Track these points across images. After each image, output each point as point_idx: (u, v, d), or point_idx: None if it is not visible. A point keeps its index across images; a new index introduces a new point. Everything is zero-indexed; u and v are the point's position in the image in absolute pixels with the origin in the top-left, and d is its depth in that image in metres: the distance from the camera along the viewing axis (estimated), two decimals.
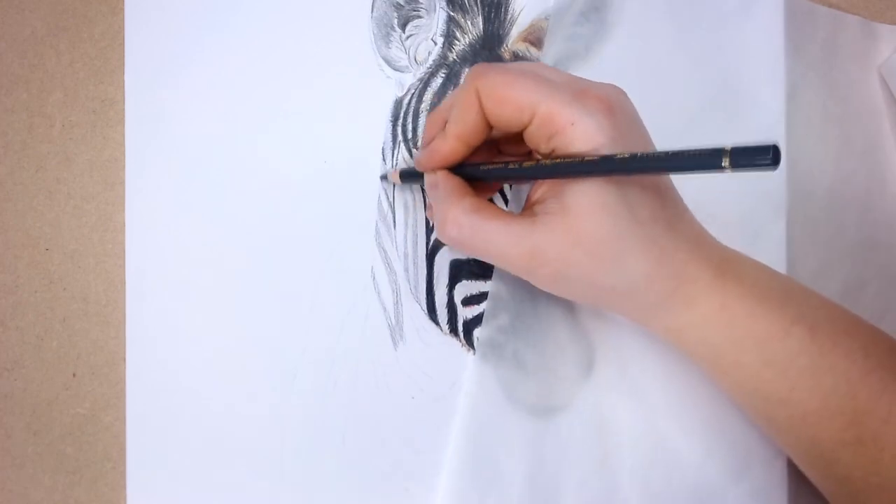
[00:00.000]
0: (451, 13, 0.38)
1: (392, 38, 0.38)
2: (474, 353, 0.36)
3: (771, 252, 0.38)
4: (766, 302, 0.30)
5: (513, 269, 0.30)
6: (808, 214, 0.40)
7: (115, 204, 0.36)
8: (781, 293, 0.30)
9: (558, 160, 0.28)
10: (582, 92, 0.28)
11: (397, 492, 0.35)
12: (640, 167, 0.26)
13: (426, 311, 0.37)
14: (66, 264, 0.36)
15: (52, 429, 0.35)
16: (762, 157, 0.22)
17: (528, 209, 0.31)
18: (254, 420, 0.35)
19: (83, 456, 0.35)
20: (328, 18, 0.38)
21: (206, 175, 0.37)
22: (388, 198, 0.37)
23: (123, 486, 0.34)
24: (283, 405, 0.35)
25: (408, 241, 0.37)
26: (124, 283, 0.36)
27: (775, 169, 0.22)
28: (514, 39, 0.39)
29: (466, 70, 0.38)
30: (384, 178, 0.37)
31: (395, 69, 0.38)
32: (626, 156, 0.26)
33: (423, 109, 0.38)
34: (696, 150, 0.24)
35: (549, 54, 0.39)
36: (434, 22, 0.38)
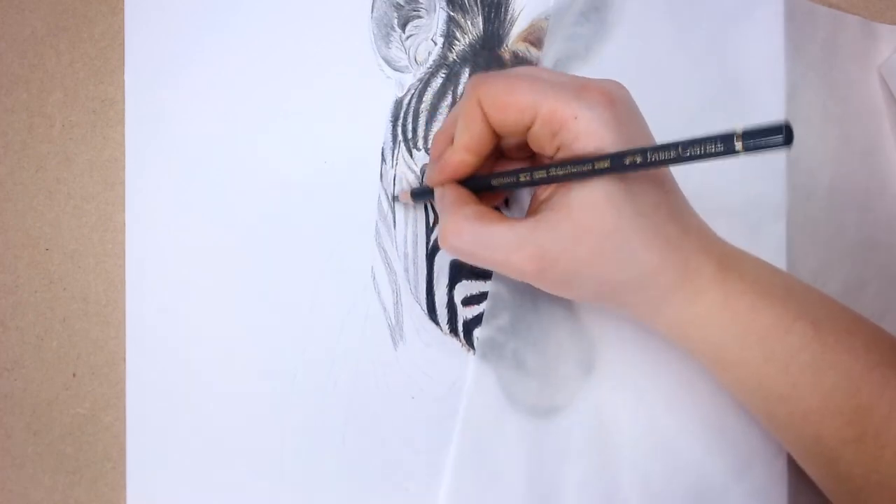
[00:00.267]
0: (451, 13, 0.38)
1: (392, 39, 0.38)
2: (474, 353, 0.36)
3: (771, 252, 0.38)
4: (768, 298, 0.30)
5: (517, 273, 0.30)
6: (808, 214, 0.40)
7: (115, 204, 0.36)
8: (783, 289, 0.30)
9: (569, 166, 0.28)
10: (582, 87, 0.29)
11: (397, 492, 0.35)
12: (652, 162, 0.26)
13: (426, 311, 0.37)
14: (66, 264, 0.36)
15: (52, 429, 0.35)
16: (774, 136, 0.22)
17: (531, 211, 0.31)
18: (254, 420, 0.35)
19: (83, 456, 0.35)
20: (328, 18, 0.38)
21: (206, 175, 0.37)
22: (388, 198, 0.37)
23: (123, 486, 0.34)
24: (283, 405, 0.35)
25: (408, 241, 0.37)
26: (124, 283, 0.36)
27: (789, 148, 0.22)
28: (514, 39, 0.39)
29: (467, 70, 0.38)
30: (395, 199, 0.37)
31: (395, 69, 0.38)
32: (637, 153, 0.26)
33: (423, 110, 0.38)
34: (707, 137, 0.24)
35: (549, 54, 0.39)
36: (434, 22, 0.38)
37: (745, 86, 0.40)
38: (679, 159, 0.25)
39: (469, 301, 0.37)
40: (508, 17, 0.39)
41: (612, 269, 0.29)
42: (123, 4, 0.37)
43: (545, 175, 0.29)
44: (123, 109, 0.37)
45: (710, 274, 0.29)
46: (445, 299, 0.37)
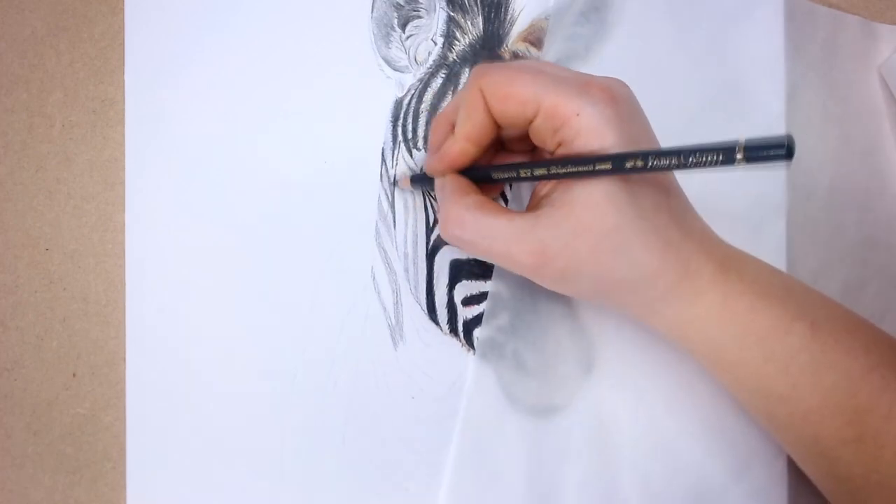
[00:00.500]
0: (451, 13, 0.38)
1: (392, 39, 0.38)
2: (474, 353, 0.36)
3: (771, 252, 0.38)
4: (767, 298, 0.30)
5: (517, 266, 0.30)
6: (808, 214, 0.40)
7: (115, 204, 0.36)
8: (782, 290, 0.30)
9: (570, 164, 0.28)
10: (585, 83, 0.29)
11: (397, 492, 0.35)
12: (653, 167, 0.26)
13: (426, 311, 0.37)
14: (66, 264, 0.36)
15: (52, 429, 0.35)
16: (776, 150, 0.22)
17: (532, 206, 0.31)
18: (254, 420, 0.35)
19: (83, 456, 0.35)
20: (328, 18, 0.38)
21: (206, 175, 0.37)
22: (388, 198, 0.37)
23: (123, 486, 0.34)
24: (283, 405, 0.35)
25: (408, 241, 0.37)
26: (124, 283, 0.36)
27: (790, 162, 0.22)
28: (514, 39, 0.39)
29: (467, 70, 0.38)
30: (395, 183, 0.37)
31: (396, 69, 0.38)
32: (639, 157, 0.26)
33: (424, 110, 0.38)
34: (708, 146, 0.24)
35: (549, 54, 0.39)
36: (434, 22, 0.38)
37: (745, 86, 0.40)
38: (679, 166, 0.25)
39: (469, 301, 0.37)
40: (508, 17, 0.39)
41: (611, 267, 0.29)
42: (123, 4, 0.37)
43: (546, 172, 0.29)
44: (123, 109, 0.37)
45: (710, 275, 0.29)
46: (445, 299, 0.37)
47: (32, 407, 0.35)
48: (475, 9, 0.39)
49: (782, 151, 0.22)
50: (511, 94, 0.29)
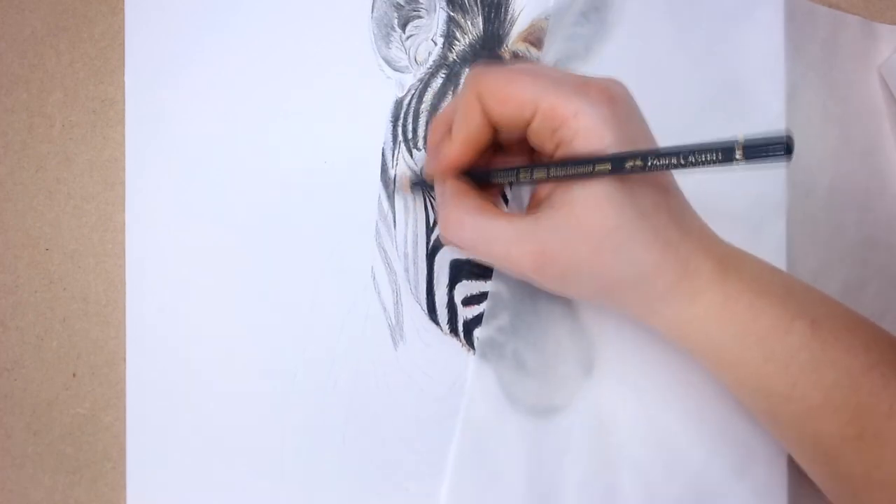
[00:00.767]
0: (451, 13, 0.38)
1: (392, 39, 0.38)
2: (474, 353, 0.36)
3: (771, 251, 0.38)
4: (767, 297, 0.30)
5: (517, 269, 0.30)
6: (808, 214, 0.40)
7: (115, 204, 0.36)
8: (782, 288, 0.30)
9: (569, 166, 0.28)
10: (583, 84, 0.29)
11: (397, 492, 0.35)
12: (652, 166, 0.26)
13: (426, 311, 0.37)
14: (66, 264, 0.36)
15: (52, 429, 0.35)
16: (776, 148, 0.22)
17: (532, 208, 0.31)
18: (254, 420, 0.35)
19: (83, 456, 0.35)
20: (328, 18, 0.38)
21: (206, 175, 0.37)
22: (388, 198, 0.37)
23: (123, 486, 0.34)
24: (283, 405, 0.35)
25: (408, 241, 0.37)
26: (124, 283, 0.36)
27: (789, 160, 0.22)
28: (514, 39, 0.39)
29: (467, 70, 0.38)
30: (394, 187, 0.37)
31: (396, 69, 0.38)
32: (638, 157, 0.26)
33: (424, 110, 0.38)
34: (707, 145, 0.24)
35: (549, 54, 0.39)
36: (434, 22, 0.39)
37: (745, 86, 0.40)
38: (678, 166, 0.25)
39: (469, 301, 0.37)
40: (508, 17, 0.39)
41: (612, 267, 0.29)
42: (123, 4, 0.37)
43: (545, 174, 0.29)
44: (123, 109, 0.37)
45: (709, 274, 0.29)
46: (445, 299, 0.37)
47: (32, 407, 0.35)
48: (475, 9, 0.39)
49: (781, 149, 0.22)
50: (508, 95, 0.29)
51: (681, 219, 0.30)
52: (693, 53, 0.40)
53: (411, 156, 0.38)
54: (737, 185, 0.39)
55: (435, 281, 0.37)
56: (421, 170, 0.37)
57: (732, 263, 0.30)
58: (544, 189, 0.30)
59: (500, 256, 0.30)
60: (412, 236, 0.37)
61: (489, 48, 0.39)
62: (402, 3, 0.39)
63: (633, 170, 0.26)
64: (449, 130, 0.31)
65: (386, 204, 0.37)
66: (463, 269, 0.37)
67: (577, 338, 0.37)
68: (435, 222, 0.37)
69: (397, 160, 0.38)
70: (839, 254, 0.40)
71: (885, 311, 0.40)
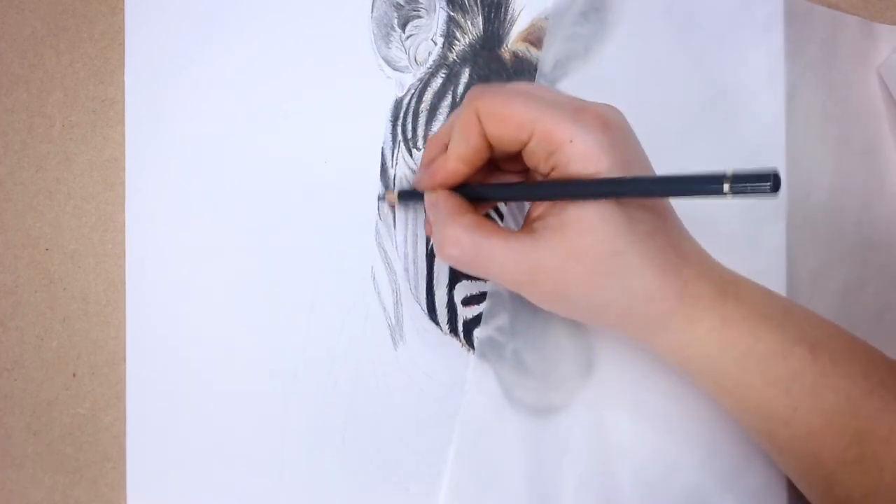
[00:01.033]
0: (451, 13, 0.38)
1: (392, 38, 0.38)
2: (474, 353, 0.36)
3: (771, 252, 0.38)
4: (767, 321, 0.30)
5: (514, 286, 0.30)
6: (807, 214, 0.40)
7: (115, 204, 0.36)
8: (781, 313, 0.30)
9: (562, 182, 0.29)
10: (579, 110, 0.29)
11: (397, 492, 0.35)
12: (641, 191, 0.27)
13: (426, 311, 0.37)
14: (66, 264, 0.36)
15: (52, 429, 0.35)
16: (762, 183, 0.23)
17: (527, 226, 0.31)
18: (254, 419, 0.35)
19: (83, 456, 0.35)
20: (328, 18, 0.38)
21: (206, 175, 0.37)
22: None
23: (123, 486, 0.34)
24: (283, 405, 0.35)
25: (408, 241, 0.37)
26: (124, 283, 0.36)
27: (775, 196, 0.23)
28: (514, 39, 0.39)
29: (467, 70, 0.38)
30: (381, 198, 0.37)
31: (395, 69, 0.38)
32: (629, 179, 0.27)
33: (423, 110, 0.38)
34: (697, 176, 0.25)
35: (549, 54, 0.39)
36: (434, 22, 0.39)
37: (744, 86, 0.40)
38: (667, 193, 0.27)
39: (469, 301, 0.37)
40: (508, 16, 0.39)
41: (608, 291, 0.29)
42: (123, 4, 0.37)
43: (540, 194, 0.30)
44: (123, 109, 0.37)
45: (708, 299, 0.29)
46: (445, 299, 0.37)
47: (32, 407, 0.35)
48: (475, 9, 0.39)
49: (768, 185, 0.22)
50: (507, 116, 0.29)
51: (678, 244, 0.30)
52: (692, 53, 0.40)
53: (411, 155, 0.38)
54: None
55: (435, 281, 0.37)
56: (410, 184, 0.37)
57: (731, 288, 0.30)
58: (539, 208, 0.30)
59: (496, 275, 0.30)
60: (412, 236, 0.37)
61: (489, 48, 0.39)
62: (402, 2, 0.39)
63: (625, 194, 0.27)
64: (445, 148, 0.32)
65: (386, 204, 0.37)
66: None
67: (577, 338, 0.37)
68: None
69: (397, 160, 0.38)
70: (839, 254, 0.40)
71: (884, 312, 0.40)
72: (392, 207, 0.37)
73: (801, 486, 0.33)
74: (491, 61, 0.39)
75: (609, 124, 0.28)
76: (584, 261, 0.28)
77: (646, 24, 0.40)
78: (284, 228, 0.37)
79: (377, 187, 0.37)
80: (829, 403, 0.29)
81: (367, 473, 0.35)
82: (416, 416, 0.36)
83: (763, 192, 0.23)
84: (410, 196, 0.35)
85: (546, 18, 0.39)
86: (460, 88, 0.38)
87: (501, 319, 0.37)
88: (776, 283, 0.38)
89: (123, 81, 0.37)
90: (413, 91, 0.38)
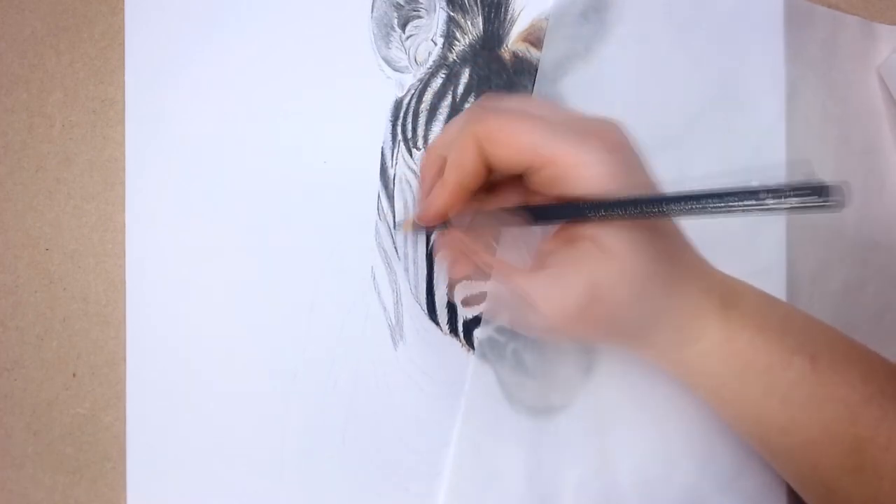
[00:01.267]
0: (451, 13, 0.38)
1: (392, 39, 0.38)
2: (474, 353, 0.36)
3: (771, 252, 0.38)
4: (766, 332, 0.30)
5: (565, 324, 0.29)
6: (807, 215, 0.40)
7: (115, 204, 0.36)
8: (782, 322, 0.31)
9: (580, 208, 0.28)
10: (584, 132, 0.28)
11: (397, 492, 0.35)
12: (666, 211, 0.25)
13: (426, 311, 0.37)
14: (66, 264, 0.36)
15: (52, 429, 0.35)
16: (823, 198, 0.21)
17: (538, 262, 0.30)
18: (254, 420, 0.35)
19: (83, 456, 0.35)
20: (328, 18, 0.38)
21: (206, 175, 0.37)
22: (388, 198, 0.37)
23: (123, 486, 0.34)
24: (283, 405, 0.35)
25: (408, 241, 0.37)
26: (124, 283, 0.36)
27: (840, 209, 0.21)
28: (514, 39, 0.39)
29: (467, 70, 0.38)
30: (396, 228, 0.37)
31: (395, 69, 0.38)
32: (654, 202, 0.25)
33: (423, 110, 0.38)
34: (734, 191, 0.23)
35: (549, 54, 0.39)
36: (434, 22, 0.39)
37: (744, 86, 0.40)
38: (698, 212, 0.24)
39: (469, 301, 0.37)
40: (508, 17, 0.39)
41: (639, 313, 0.29)
42: (123, 4, 0.37)
43: (553, 215, 0.30)
44: (123, 109, 0.37)
45: (711, 314, 0.30)
46: (445, 299, 0.37)
47: (32, 407, 0.35)
48: (475, 9, 0.39)
49: (828, 200, 0.21)
50: (508, 142, 0.28)
51: (682, 262, 0.30)
52: (693, 53, 0.40)
53: (411, 155, 0.38)
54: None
55: (435, 281, 0.37)
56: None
57: (732, 299, 0.30)
58: (547, 244, 0.30)
59: (544, 318, 0.29)
60: (412, 236, 0.37)
61: (489, 48, 0.39)
62: (402, 2, 0.39)
63: (649, 214, 0.26)
64: (441, 164, 0.31)
65: (386, 204, 0.37)
66: None
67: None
68: None
69: (397, 160, 0.38)
70: (839, 254, 0.40)
71: (884, 312, 0.40)
72: (392, 206, 0.37)
73: (801, 492, 0.33)
74: (491, 61, 0.39)
75: (615, 147, 0.28)
76: (633, 284, 0.28)
77: (646, 24, 0.40)
78: (284, 228, 0.37)
79: (377, 187, 0.37)
80: (828, 413, 0.29)
81: (367, 473, 0.35)
82: (416, 416, 0.36)
83: (825, 205, 0.21)
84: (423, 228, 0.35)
85: (546, 18, 0.39)
86: (460, 88, 0.38)
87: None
88: (776, 283, 0.38)
89: (123, 81, 0.37)
90: (413, 91, 0.38)
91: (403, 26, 0.38)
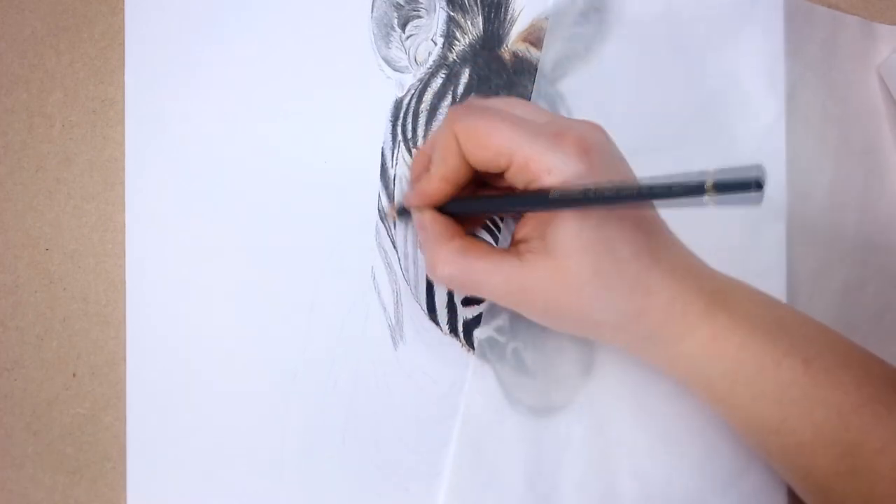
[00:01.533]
0: (451, 13, 0.38)
1: (392, 39, 0.38)
2: (474, 353, 0.36)
3: (771, 252, 0.38)
4: (757, 333, 0.30)
5: (507, 305, 0.31)
6: (807, 214, 0.40)
7: (115, 204, 0.36)
8: (774, 324, 0.30)
9: (539, 192, 0.29)
10: (558, 136, 0.29)
11: (397, 492, 0.35)
12: (622, 199, 0.26)
13: (426, 311, 0.37)
14: (66, 264, 0.36)
15: (52, 429, 0.35)
16: (746, 185, 0.21)
17: (513, 246, 0.31)
18: (254, 420, 0.35)
19: (83, 456, 0.35)
20: (328, 18, 0.38)
21: (206, 175, 0.37)
22: (388, 198, 0.37)
23: (123, 486, 0.34)
24: (283, 405, 0.35)
25: (408, 241, 0.37)
26: (124, 283, 0.36)
27: (759, 199, 0.21)
28: (514, 39, 0.39)
29: (467, 70, 0.38)
30: (384, 215, 0.37)
31: (395, 69, 0.38)
32: (609, 188, 0.26)
33: (423, 110, 0.38)
34: (678, 183, 0.24)
35: (549, 54, 0.39)
36: (434, 22, 0.39)
37: (744, 86, 0.40)
38: (646, 197, 0.25)
39: (469, 301, 0.37)
40: (508, 16, 0.39)
41: (594, 311, 0.29)
42: (123, 4, 0.37)
43: (512, 198, 0.30)
44: (123, 109, 0.37)
45: (697, 314, 0.30)
46: (445, 299, 0.37)
47: (32, 407, 0.35)
48: (475, 9, 0.39)
49: (751, 187, 0.21)
50: (484, 144, 0.29)
51: (666, 261, 0.30)
52: (692, 53, 0.40)
53: (411, 155, 0.38)
54: None
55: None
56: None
57: (723, 298, 0.30)
58: (523, 230, 0.31)
59: (488, 295, 0.31)
60: (412, 236, 0.37)
61: (489, 48, 0.39)
62: (402, 2, 0.39)
63: (605, 202, 0.26)
64: (429, 163, 0.32)
65: (386, 204, 0.37)
66: None
67: (577, 338, 0.37)
68: None
69: (397, 160, 0.38)
70: (839, 254, 0.40)
71: (884, 312, 0.40)
72: (392, 206, 0.37)
73: (799, 493, 0.33)
74: (491, 61, 0.39)
75: (589, 149, 0.28)
76: (570, 283, 0.29)
77: (646, 25, 0.40)
78: (284, 228, 0.37)
79: (377, 187, 0.37)
80: (820, 416, 0.29)
81: (367, 473, 0.35)
82: (416, 416, 0.36)
83: (747, 199, 0.21)
84: (409, 213, 0.35)
85: (546, 18, 0.39)
86: (460, 89, 0.38)
87: (501, 319, 0.37)
88: (776, 283, 0.38)
89: (123, 81, 0.37)
90: (413, 91, 0.38)
91: (403, 26, 0.38)
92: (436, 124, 0.38)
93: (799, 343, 0.30)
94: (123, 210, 0.36)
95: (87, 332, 0.35)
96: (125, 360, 0.35)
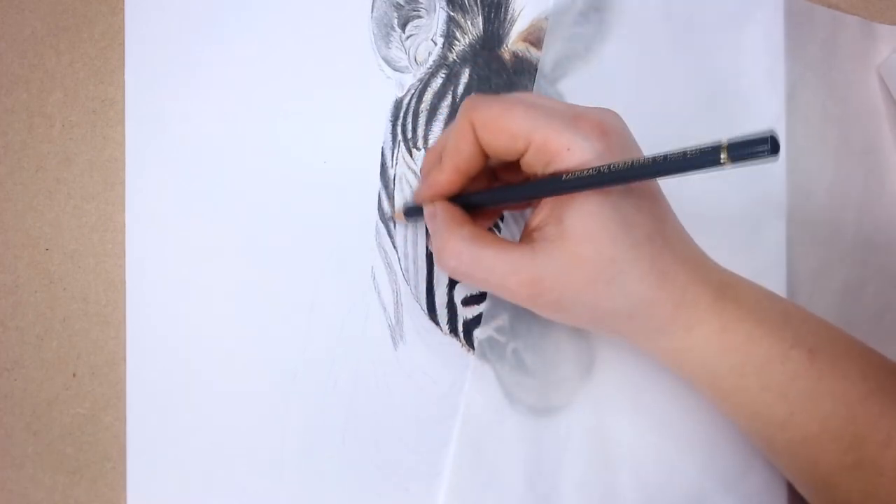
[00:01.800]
0: (451, 13, 0.38)
1: (392, 39, 0.38)
2: (474, 353, 0.36)
3: (771, 252, 0.38)
4: (764, 325, 0.30)
5: (513, 297, 0.30)
6: (807, 214, 0.40)
7: (115, 204, 0.36)
8: (780, 316, 0.30)
9: (553, 178, 0.29)
10: (576, 117, 0.29)
11: (397, 492, 0.35)
12: (637, 173, 0.26)
13: (426, 311, 0.37)
14: (66, 264, 0.36)
15: (52, 429, 0.35)
16: (760, 147, 0.22)
17: (526, 236, 0.31)
18: (254, 420, 0.35)
19: (83, 456, 0.35)
20: (328, 18, 0.38)
21: (206, 175, 0.37)
22: (388, 198, 0.37)
23: (123, 486, 0.34)
24: (283, 405, 0.35)
25: (408, 241, 0.37)
26: (124, 283, 0.36)
27: (776, 158, 0.22)
28: (514, 39, 0.39)
29: (467, 70, 0.38)
30: (390, 218, 0.37)
31: (395, 69, 0.38)
32: (622, 164, 0.26)
33: (423, 110, 0.38)
34: (693, 150, 0.24)
35: (549, 54, 0.39)
36: (434, 22, 0.39)
37: (745, 86, 0.40)
38: (665, 172, 0.25)
39: (469, 301, 0.37)
40: (508, 16, 0.39)
41: (607, 298, 0.29)
42: (123, 4, 0.37)
43: (529, 184, 0.30)
44: (123, 109, 0.37)
45: (706, 304, 0.29)
46: (445, 299, 0.37)
47: (32, 407, 0.35)
48: (475, 9, 0.39)
49: (765, 149, 0.22)
50: (502, 127, 0.29)
51: (677, 248, 0.30)
52: (693, 53, 0.40)
53: (411, 155, 0.38)
54: (736, 186, 0.39)
55: (435, 281, 0.37)
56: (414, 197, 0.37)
57: (730, 292, 0.30)
58: (536, 218, 0.30)
59: (495, 286, 0.30)
60: (412, 236, 0.37)
61: (489, 48, 0.39)
62: (402, 2, 0.39)
63: (615, 180, 0.26)
64: (439, 160, 0.32)
65: (386, 204, 0.37)
66: None
67: (577, 338, 0.37)
68: None
69: (397, 160, 0.38)
70: (839, 254, 0.40)
71: (884, 312, 0.40)
72: (392, 207, 0.37)
73: (801, 489, 0.33)
74: (491, 61, 0.39)
75: (607, 130, 0.28)
76: (584, 269, 0.28)
77: (646, 24, 0.40)
78: (284, 228, 0.37)
79: (377, 187, 0.37)
80: (826, 408, 0.29)
81: (367, 473, 0.35)
82: (416, 416, 0.36)
83: (761, 155, 0.22)
84: (416, 212, 0.35)
85: (546, 18, 0.39)
86: (460, 88, 0.38)
87: (501, 319, 0.37)
88: (776, 282, 0.38)
89: (123, 81, 0.37)
90: (413, 91, 0.38)
91: (403, 26, 0.38)
92: (436, 124, 0.38)
93: (803, 335, 0.30)
94: (123, 210, 0.36)
95: (87, 332, 0.35)
96: (125, 360, 0.35)
